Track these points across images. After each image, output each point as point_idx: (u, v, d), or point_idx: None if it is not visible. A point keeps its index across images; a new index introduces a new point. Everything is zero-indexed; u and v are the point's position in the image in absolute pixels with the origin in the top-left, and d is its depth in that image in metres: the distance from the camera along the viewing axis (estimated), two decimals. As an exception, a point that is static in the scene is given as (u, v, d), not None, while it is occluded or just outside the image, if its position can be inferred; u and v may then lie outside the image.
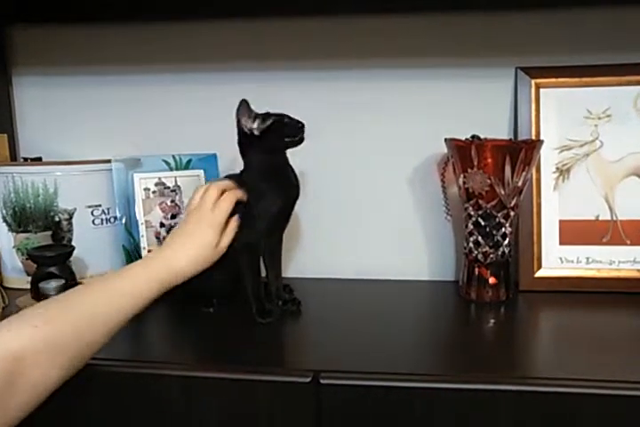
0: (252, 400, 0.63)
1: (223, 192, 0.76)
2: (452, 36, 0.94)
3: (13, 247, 0.95)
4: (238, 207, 0.77)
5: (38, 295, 0.83)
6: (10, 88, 1.06)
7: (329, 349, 0.70)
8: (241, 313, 0.79)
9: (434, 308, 0.89)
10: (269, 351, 0.71)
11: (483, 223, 0.85)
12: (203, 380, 0.64)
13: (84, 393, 0.65)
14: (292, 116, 0.79)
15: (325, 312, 0.85)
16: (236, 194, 0.77)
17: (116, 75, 1.03)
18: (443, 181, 0.96)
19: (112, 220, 0.96)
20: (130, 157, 0.94)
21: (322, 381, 0.61)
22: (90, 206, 0.95)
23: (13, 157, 1.06)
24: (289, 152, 0.81)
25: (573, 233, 0.91)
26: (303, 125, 0.79)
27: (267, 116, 0.78)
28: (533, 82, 0.92)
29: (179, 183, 0.94)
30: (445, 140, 0.87)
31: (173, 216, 0.94)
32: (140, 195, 0.92)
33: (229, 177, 0.82)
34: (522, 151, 0.80)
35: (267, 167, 0.79)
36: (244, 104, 0.77)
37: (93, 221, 0.95)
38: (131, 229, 0.93)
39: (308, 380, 0.61)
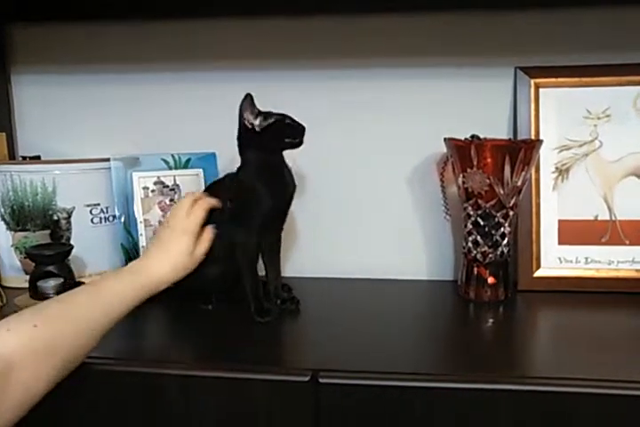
0: (250, 399, 0.63)
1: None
2: (451, 36, 0.94)
3: (12, 246, 0.94)
4: (216, 213, 0.79)
5: (37, 294, 0.82)
6: (9, 86, 1.06)
7: (328, 348, 0.70)
8: (239, 312, 0.79)
9: (433, 307, 0.89)
10: (268, 350, 0.71)
11: (482, 223, 0.85)
12: (201, 379, 0.63)
13: (79, 391, 0.64)
14: (294, 117, 0.80)
15: (324, 311, 0.85)
16: (209, 202, 0.78)
17: (116, 73, 1.02)
18: (442, 180, 0.96)
19: (111, 218, 0.96)
20: (129, 155, 0.93)
21: (320, 380, 0.61)
22: (88, 205, 0.94)
23: (12, 156, 1.05)
24: (290, 150, 0.81)
25: (572, 233, 0.91)
26: (304, 129, 0.80)
27: (269, 114, 0.79)
28: (533, 82, 0.92)
29: (178, 182, 0.94)
30: (445, 139, 0.87)
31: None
32: (138, 194, 0.92)
33: (228, 176, 0.83)
34: (521, 151, 0.80)
35: (263, 166, 0.79)
36: (248, 98, 0.78)
37: (92, 220, 0.95)
38: (129, 227, 0.93)
39: (307, 379, 0.61)
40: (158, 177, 0.93)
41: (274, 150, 0.80)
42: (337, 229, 1.01)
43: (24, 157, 1.02)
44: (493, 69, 0.94)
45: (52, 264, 0.84)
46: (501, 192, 0.82)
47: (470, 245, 0.87)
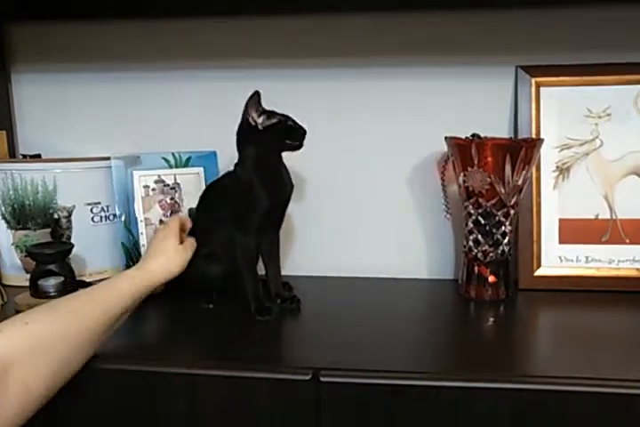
0: (251, 398, 0.63)
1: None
2: (452, 35, 0.94)
3: (12, 244, 0.94)
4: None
5: (37, 293, 0.82)
6: (9, 85, 1.06)
7: (329, 347, 0.70)
8: (240, 311, 0.79)
9: (433, 306, 0.89)
10: (269, 349, 0.71)
11: (482, 222, 0.85)
12: (202, 377, 0.63)
13: (82, 390, 0.64)
14: (296, 120, 0.80)
15: (325, 310, 0.85)
16: (180, 217, 0.86)
17: (116, 72, 1.02)
18: (443, 179, 0.96)
19: (111, 217, 0.96)
20: (129, 154, 0.93)
21: (322, 378, 0.61)
22: (89, 204, 0.94)
23: (12, 154, 1.05)
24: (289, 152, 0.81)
25: (573, 232, 0.91)
26: (305, 132, 0.80)
27: (273, 114, 0.79)
28: (534, 80, 0.92)
29: (178, 181, 0.94)
30: (445, 138, 0.87)
31: (173, 214, 0.94)
32: (139, 192, 0.92)
33: (226, 176, 0.83)
34: (522, 150, 0.80)
35: (261, 163, 0.80)
36: (255, 96, 0.78)
37: (92, 219, 0.95)
38: (130, 226, 0.93)
39: (308, 377, 0.61)
40: (159, 176, 0.93)
41: (273, 150, 0.80)
42: (337, 229, 1.01)
43: (24, 156, 1.02)
44: (494, 68, 0.94)
45: (52, 263, 0.83)
46: (502, 191, 0.82)
47: (471, 243, 0.87)
